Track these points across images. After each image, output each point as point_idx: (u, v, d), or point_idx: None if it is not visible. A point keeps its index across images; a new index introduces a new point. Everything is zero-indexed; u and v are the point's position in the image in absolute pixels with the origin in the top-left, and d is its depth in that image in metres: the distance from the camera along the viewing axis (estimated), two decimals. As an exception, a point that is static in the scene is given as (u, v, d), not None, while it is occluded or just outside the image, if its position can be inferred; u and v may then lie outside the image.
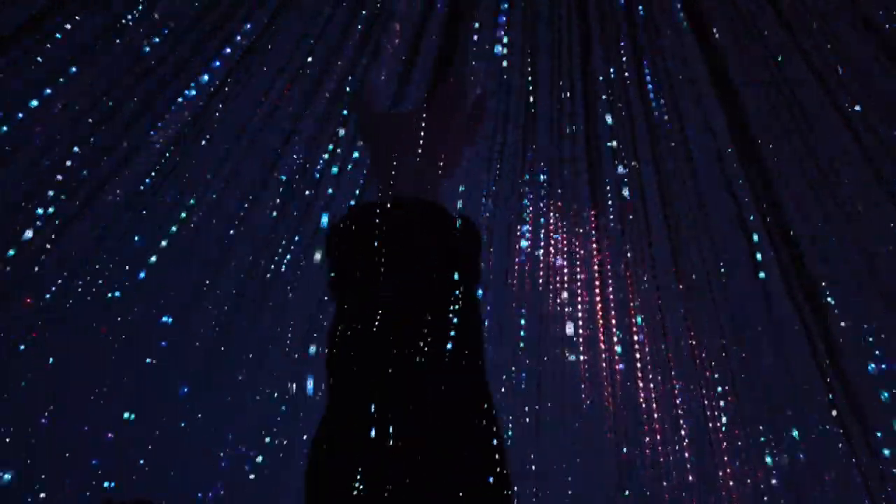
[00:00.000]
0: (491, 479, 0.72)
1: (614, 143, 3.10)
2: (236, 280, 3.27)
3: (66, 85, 2.68)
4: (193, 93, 3.09)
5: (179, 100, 3.10)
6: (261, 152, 3.43)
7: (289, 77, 3.25)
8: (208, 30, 2.86)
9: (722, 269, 3.27)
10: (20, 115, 2.67)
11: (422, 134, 0.92)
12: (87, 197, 2.78)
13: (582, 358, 3.33)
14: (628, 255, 3.46)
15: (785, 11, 2.67)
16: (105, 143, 2.87)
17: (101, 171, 2.88)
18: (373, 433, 0.67)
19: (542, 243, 3.32)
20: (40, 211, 2.93)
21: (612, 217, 3.38)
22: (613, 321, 3.33)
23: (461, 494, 0.68)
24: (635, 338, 3.58)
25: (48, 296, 2.97)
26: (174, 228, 3.18)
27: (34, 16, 2.50)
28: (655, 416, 3.85)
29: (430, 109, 0.94)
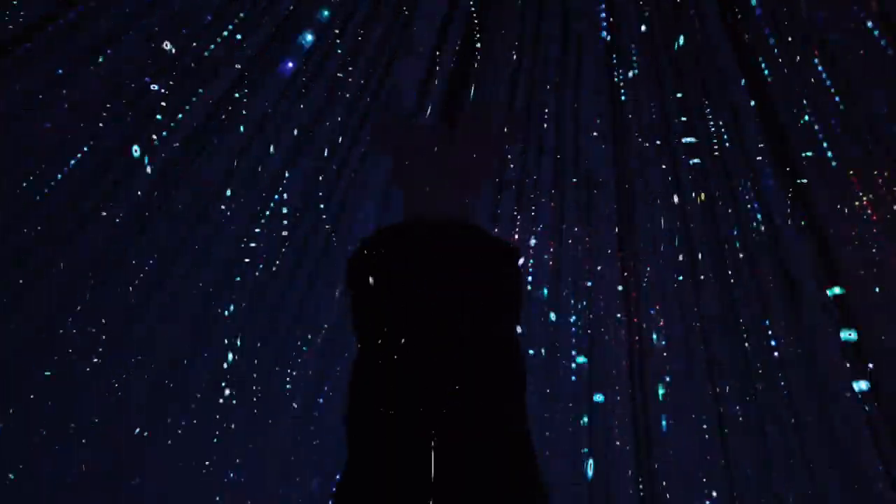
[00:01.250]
0: None
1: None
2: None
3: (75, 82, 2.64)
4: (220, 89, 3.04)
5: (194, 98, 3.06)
6: (279, 152, 3.38)
7: (308, 74, 3.20)
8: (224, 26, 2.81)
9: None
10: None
11: (450, 148, 0.85)
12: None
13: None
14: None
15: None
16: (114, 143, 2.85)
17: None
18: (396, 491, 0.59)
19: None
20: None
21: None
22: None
23: None
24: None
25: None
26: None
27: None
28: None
29: (458, 123, 0.88)
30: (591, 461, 3.27)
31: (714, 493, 3.34)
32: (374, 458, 0.60)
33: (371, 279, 0.65)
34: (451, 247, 0.67)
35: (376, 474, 0.60)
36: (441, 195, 0.78)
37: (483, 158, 0.87)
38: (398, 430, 0.60)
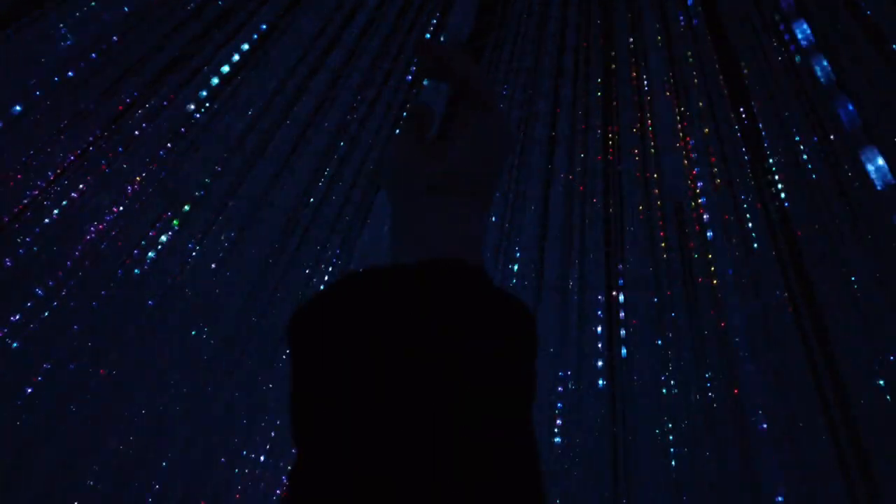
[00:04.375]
0: None
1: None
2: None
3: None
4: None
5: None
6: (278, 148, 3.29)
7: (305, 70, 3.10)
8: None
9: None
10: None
11: (437, 153, 0.69)
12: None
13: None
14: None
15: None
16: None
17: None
18: None
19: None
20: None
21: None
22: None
23: None
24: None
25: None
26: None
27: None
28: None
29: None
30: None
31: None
32: None
33: (310, 351, 0.48)
34: (426, 302, 0.48)
35: None
36: (426, 224, 0.60)
37: (480, 146, 0.68)
38: None
